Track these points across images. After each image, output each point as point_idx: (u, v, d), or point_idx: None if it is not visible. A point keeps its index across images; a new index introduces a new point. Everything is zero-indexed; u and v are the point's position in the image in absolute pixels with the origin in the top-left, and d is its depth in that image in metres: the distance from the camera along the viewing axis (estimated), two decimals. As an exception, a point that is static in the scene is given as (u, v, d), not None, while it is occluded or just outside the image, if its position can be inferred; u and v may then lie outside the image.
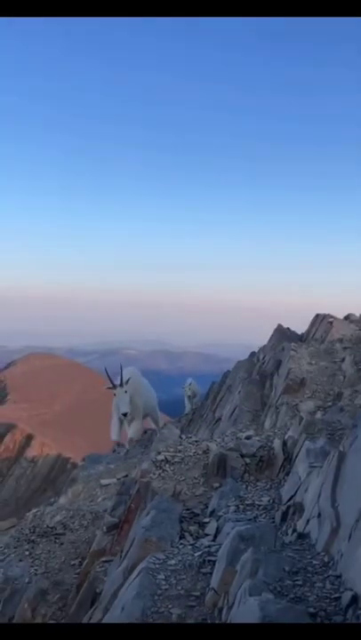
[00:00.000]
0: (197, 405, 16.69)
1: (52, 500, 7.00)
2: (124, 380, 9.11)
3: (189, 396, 16.95)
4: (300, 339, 14.00)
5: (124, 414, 9.03)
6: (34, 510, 6.49)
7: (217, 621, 2.87)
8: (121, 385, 9.03)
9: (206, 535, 3.87)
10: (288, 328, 15.28)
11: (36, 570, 5.06)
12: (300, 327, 15.20)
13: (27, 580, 4.88)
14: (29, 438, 36.30)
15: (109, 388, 9.13)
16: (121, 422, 9.66)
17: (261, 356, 13.95)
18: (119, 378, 9.14)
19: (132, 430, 9.78)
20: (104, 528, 4.85)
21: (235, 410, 10.83)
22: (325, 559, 3.03)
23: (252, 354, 15.32)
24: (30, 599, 4.62)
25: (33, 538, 5.67)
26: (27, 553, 5.35)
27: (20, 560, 5.24)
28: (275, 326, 15.47)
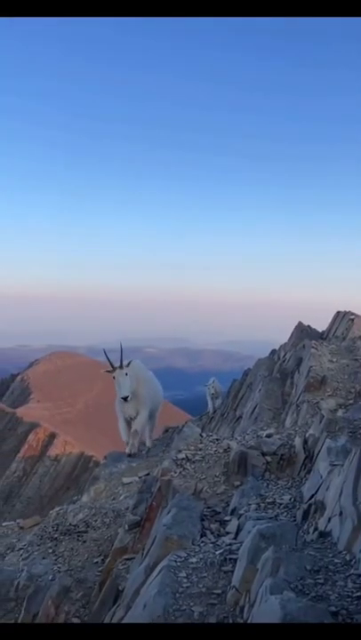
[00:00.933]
0: (219, 407, 16.28)
1: (75, 498, 7.07)
2: (125, 363, 8.47)
3: (212, 395, 16.46)
4: (321, 336, 13.92)
5: (125, 397, 8.30)
6: (57, 508, 6.55)
7: (238, 619, 2.88)
8: (121, 367, 8.38)
9: (227, 533, 3.88)
10: (309, 326, 15.22)
11: (59, 567, 5.11)
12: (320, 325, 15.13)
13: (50, 578, 4.93)
14: (52, 437, 36.57)
15: (108, 371, 8.49)
16: (128, 422, 8.96)
17: (282, 354, 13.90)
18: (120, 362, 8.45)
19: (136, 422, 8.96)
20: (126, 526, 4.88)
21: (255, 408, 10.81)
22: (347, 558, 3.02)
23: (273, 352, 15.27)
24: (54, 596, 4.66)
25: (56, 536, 5.73)
26: (50, 551, 5.40)
27: (44, 558, 5.29)
28: (295, 324, 15.41)
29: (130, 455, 8.73)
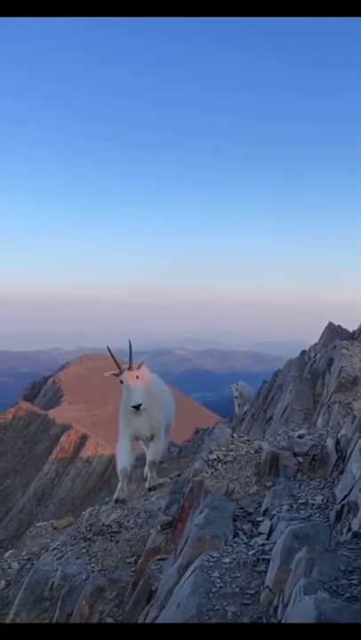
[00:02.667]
0: (247, 411, 15.80)
1: (107, 499, 7.11)
2: (135, 364, 6.74)
3: (236, 398, 15.90)
4: (352, 336, 13.79)
5: (137, 406, 6.45)
6: (89, 509, 6.61)
7: (272, 620, 2.87)
8: (130, 368, 6.63)
9: (260, 534, 3.87)
10: (339, 326, 15.10)
11: (92, 567, 5.15)
12: (351, 325, 14.99)
13: (84, 578, 4.97)
14: (84, 438, 36.85)
15: (114, 374, 6.71)
16: (132, 440, 7.06)
17: (313, 355, 13.81)
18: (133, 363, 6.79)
19: (151, 451, 7.09)
20: (158, 526, 4.90)
21: (286, 409, 10.75)
22: (382, 558, 2.99)
23: (303, 352, 15.19)
24: (88, 596, 4.71)
25: (89, 536, 5.78)
26: (83, 551, 5.45)
27: (77, 558, 5.34)
28: (325, 324, 15.31)
29: (118, 501, 6.51)
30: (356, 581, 2.77)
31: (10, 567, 5.95)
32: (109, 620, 4.50)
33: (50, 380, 56.51)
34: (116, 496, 6.68)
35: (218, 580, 3.23)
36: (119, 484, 6.74)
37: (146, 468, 7.40)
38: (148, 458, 7.20)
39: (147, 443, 7.33)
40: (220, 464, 5.85)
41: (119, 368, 6.69)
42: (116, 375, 6.68)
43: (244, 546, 3.66)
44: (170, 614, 3.21)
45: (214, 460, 5.94)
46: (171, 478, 7.18)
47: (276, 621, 2.81)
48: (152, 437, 7.12)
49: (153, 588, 4.14)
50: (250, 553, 3.52)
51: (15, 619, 4.80)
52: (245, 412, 15.82)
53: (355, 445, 4.54)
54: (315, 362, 12.80)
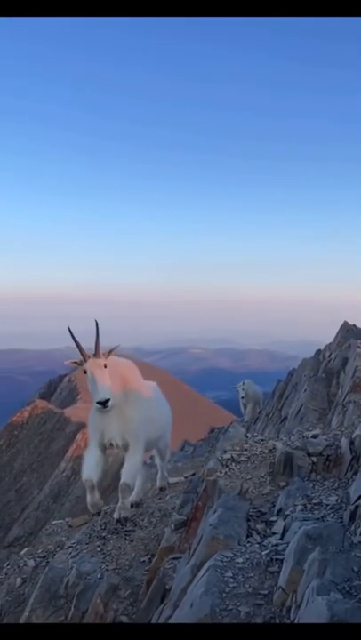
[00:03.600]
0: (253, 415, 15.08)
1: (117, 499, 7.15)
2: (103, 352, 5.50)
3: (242, 398, 14.93)
4: (368, 335, 13.72)
5: (103, 402, 5.22)
6: (104, 507, 6.65)
7: (285, 620, 2.87)
8: (97, 355, 5.40)
9: (273, 534, 3.87)
10: (354, 325, 15.04)
11: (107, 566, 5.18)
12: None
13: (99, 576, 5.01)
14: (99, 437, 36.90)
15: (76, 362, 5.51)
16: (103, 449, 5.83)
17: (327, 354, 13.76)
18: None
19: (124, 468, 5.82)
20: (172, 525, 4.92)
21: (301, 408, 10.73)
22: (395, 560, 2.98)
23: (318, 352, 15.14)
24: (102, 594, 4.74)
25: (104, 534, 5.81)
26: (98, 549, 5.48)
27: (92, 556, 5.37)
28: (340, 323, 15.26)
29: (93, 515, 5.91)
30: (369, 583, 2.77)
31: (25, 565, 6.01)
32: (124, 619, 4.53)
33: (66, 379, 56.75)
34: (90, 508, 5.82)
35: (231, 580, 3.24)
36: (88, 498, 5.79)
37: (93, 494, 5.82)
38: (122, 478, 5.80)
39: (121, 452, 5.95)
40: (234, 463, 5.86)
41: (83, 355, 5.41)
42: (79, 364, 5.45)
43: (257, 546, 3.66)
44: (183, 613, 3.23)
45: (228, 459, 5.95)
46: (185, 477, 7.20)
47: (288, 622, 2.82)
48: (125, 448, 5.84)
49: (167, 587, 4.16)
50: (263, 553, 3.52)
51: (30, 616, 4.84)
52: (259, 413, 15.73)
53: (369, 446, 4.54)
54: (330, 361, 12.75)
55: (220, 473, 5.68)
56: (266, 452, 6.04)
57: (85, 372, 5.37)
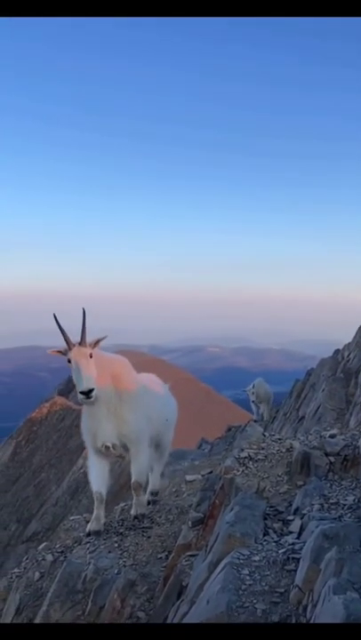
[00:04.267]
0: (268, 416, 14.63)
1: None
2: (90, 340, 5.15)
3: (253, 402, 14.51)
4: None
5: (86, 392, 4.98)
6: (122, 504, 6.70)
7: (302, 618, 2.89)
8: (82, 343, 5.09)
9: (290, 533, 3.88)
10: (374, 325, 14.93)
11: (124, 562, 5.23)
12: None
13: (116, 572, 5.05)
14: (116, 434, 37.03)
15: (59, 351, 5.16)
16: (100, 453, 5.69)
17: (346, 354, 13.69)
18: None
19: (133, 468, 5.77)
20: (189, 523, 4.95)
21: (319, 408, 10.70)
22: None
23: (337, 351, 15.07)
24: (120, 590, 4.79)
25: (121, 530, 5.86)
26: (115, 545, 5.52)
27: (110, 552, 5.42)
28: (359, 323, 15.17)
29: (90, 534, 5.72)
30: (386, 583, 2.77)
31: (44, 559, 6.07)
32: (141, 614, 4.58)
33: (84, 376, 57.05)
34: (88, 528, 5.81)
35: (248, 578, 3.25)
36: (95, 512, 5.78)
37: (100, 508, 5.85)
38: (132, 477, 5.78)
39: (122, 454, 5.82)
40: (251, 462, 5.86)
41: (68, 343, 5.08)
42: (63, 353, 5.12)
43: (274, 544, 3.67)
44: (200, 610, 3.25)
45: (245, 457, 5.95)
46: (202, 475, 7.22)
47: (305, 620, 2.83)
48: (126, 449, 5.70)
49: (183, 584, 4.19)
50: (280, 551, 3.53)
51: (49, 610, 4.91)
52: (277, 412, 15.64)
53: (387, 446, 4.52)
54: (348, 361, 12.69)
55: (238, 471, 5.69)
56: (283, 451, 6.04)
57: (70, 361, 5.08)
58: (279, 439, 6.58)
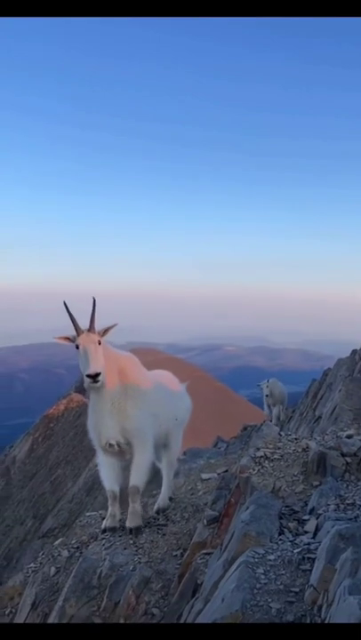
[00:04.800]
0: (285, 416, 14.40)
1: (155, 492, 7.22)
2: (99, 329, 5.08)
3: (267, 396, 13.97)
4: None
5: (93, 376, 4.87)
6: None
7: (316, 618, 2.88)
8: (91, 330, 5.03)
9: (306, 532, 3.87)
10: (392, 325, 14.80)
11: (139, 558, 5.25)
12: None
13: (131, 568, 5.07)
14: (132, 431, 37.10)
15: (67, 338, 5.08)
16: (115, 452, 5.53)
17: (364, 354, 13.60)
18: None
19: (133, 469, 5.57)
20: (205, 521, 4.96)
21: (335, 408, 10.64)
22: None
23: (354, 352, 14.98)
24: (135, 586, 4.82)
25: (137, 527, 5.86)
26: (131, 542, 5.54)
27: (125, 548, 5.44)
28: (378, 323, 15.05)
29: (106, 530, 5.68)
30: None
31: (60, 555, 6.12)
32: (155, 611, 4.60)
33: (100, 373, 57.25)
34: (103, 525, 5.77)
35: (262, 577, 3.26)
36: (109, 510, 5.77)
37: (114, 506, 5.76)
38: (130, 481, 5.56)
39: (125, 453, 5.61)
40: (267, 461, 5.86)
41: (77, 330, 5.01)
42: (71, 340, 5.04)
43: (289, 544, 3.67)
44: (214, 608, 3.26)
45: (261, 457, 5.95)
46: (218, 474, 7.23)
47: (320, 620, 2.83)
48: (129, 446, 5.51)
49: (198, 582, 4.20)
50: (295, 551, 3.53)
51: (64, 605, 4.94)
52: (293, 412, 15.55)
53: None
54: (366, 361, 12.61)
55: (253, 470, 5.69)
56: (299, 450, 6.03)
57: (77, 347, 4.98)
58: (295, 439, 6.57)
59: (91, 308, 5.11)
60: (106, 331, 5.16)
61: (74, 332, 5.07)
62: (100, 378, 4.94)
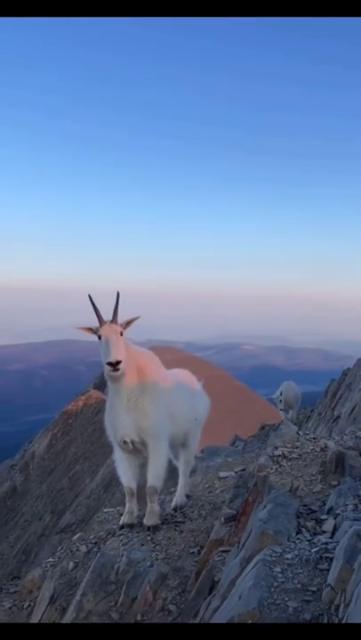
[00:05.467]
0: (295, 418, 13.51)
1: (172, 489, 7.25)
2: (121, 321, 5.12)
3: (280, 402, 13.31)
4: None
5: (115, 363, 4.90)
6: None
7: (334, 618, 2.88)
8: (114, 321, 5.08)
9: (323, 532, 3.87)
10: None
11: (157, 555, 5.27)
12: None
13: (148, 564, 5.10)
14: (150, 428, 37.20)
15: (90, 328, 5.10)
16: (131, 450, 5.54)
17: (384, 354, 13.49)
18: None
19: (149, 469, 5.57)
20: (222, 519, 4.97)
21: (354, 408, 10.58)
22: None
23: (374, 351, 14.85)
24: (152, 582, 4.85)
25: (154, 524, 5.89)
26: (148, 538, 5.57)
27: (142, 545, 5.47)
28: None
29: (123, 527, 5.72)
30: None
31: (78, 550, 6.17)
32: (172, 607, 4.63)
33: (119, 370, 57.37)
34: (121, 521, 5.83)
35: (280, 575, 3.26)
36: (127, 506, 5.80)
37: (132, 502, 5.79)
38: (148, 481, 5.56)
39: (139, 450, 5.57)
40: (285, 460, 5.85)
41: (100, 320, 5.05)
42: (94, 331, 5.06)
43: (307, 543, 3.67)
44: (232, 605, 3.27)
45: (279, 456, 5.95)
46: (235, 472, 7.23)
47: (337, 620, 2.83)
48: (144, 445, 5.48)
49: (215, 579, 4.21)
50: (313, 550, 3.53)
51: (82, 600, 4.98)
52: (311, 412, 15.45)
53: None
54: (386, 361, 12.52)
55: (271, 469, 5.69)
56: (318, 450, 6.01)
57: (100, 337, 5.01)
58: (314, 438, 6.55)
59: (114, 303, 5.12)
60: (128, 323, 5.18)
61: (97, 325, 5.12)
62: (120, 366, 4.96)
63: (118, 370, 4.98)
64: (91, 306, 5.10)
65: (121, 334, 5.05)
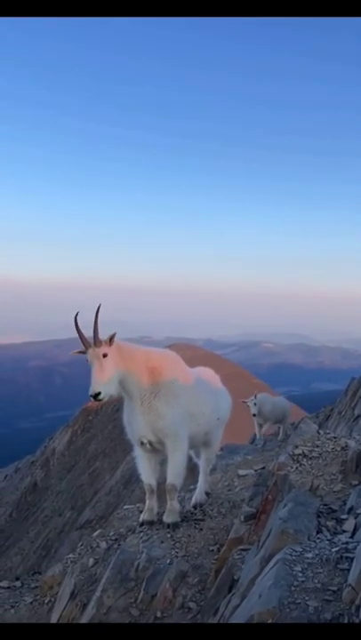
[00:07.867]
0: (283, 436, 11.32)
1: (192, 487, 7.26)
2: (104, 338, 5.02)
3: (254, 415, 11.13)
4: None
5: (94, 396, 4.90)
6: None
7: (354, 618, 2.86)
8: (96, 343, 4.98)
9: (344, 532, 3.84)
10: None
11: (176, 552, 5.28)
12: None
13: (168, 562, 5.11)
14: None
15: (81, 352, 5.07)
16: (149, 450, 5.55)
17: None
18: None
19: (169, 467, 5.56)
20: (242, 517, 4.96)
21: (376, 407, 10.49)
22: None
23: (396, 350, 14.72)
24: (171, 580, 4.86)
25: (174, 521, 5.90)
26: (168, 536, 5.58)
27: (162, 542, 5.48)
28: None
29: (143, 524, 5.74)
30: None
31: (98, 546, 6.21)
32: (192, 605, 4.64)
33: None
34: (141, 518, 5.85)
35: (300, 575, 3.24)
36: (147, 503, 5.80)
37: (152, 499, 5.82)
38: (167, 479, 5.58)
39: (157, 450, 5.59)
40: (305, 459, 5.83)
41: (84, 344, 5.01)
42: (83, 353, 5.05)
43: (327, 542, 3.65)
44: (251, 604, 3.27)
45: (299, 454, 5.92)
46: (255, 471, 7.22)
47: (357, 620, 2.81)
48: (163, 445, 5.49)
49: (235, 577, 4.21)
50: (333, 550, 3.51)
51: (102, 596, 5.02)
52: (331, 411, 15.32)
53: None
54: None
55: (291, 468, 5.67)
56: (338, 449, 5.98)
57: (88, 360, 5.01)
58: (334, 437, 6.51)
59: (93, 318, 5.07)
60: (110, 340, 5.06)
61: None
62: (100, 397, 4.95)
63: (100, 399, 4.98)
64: (93, 319, 5.06)
65: (104, 355, 4.97)
